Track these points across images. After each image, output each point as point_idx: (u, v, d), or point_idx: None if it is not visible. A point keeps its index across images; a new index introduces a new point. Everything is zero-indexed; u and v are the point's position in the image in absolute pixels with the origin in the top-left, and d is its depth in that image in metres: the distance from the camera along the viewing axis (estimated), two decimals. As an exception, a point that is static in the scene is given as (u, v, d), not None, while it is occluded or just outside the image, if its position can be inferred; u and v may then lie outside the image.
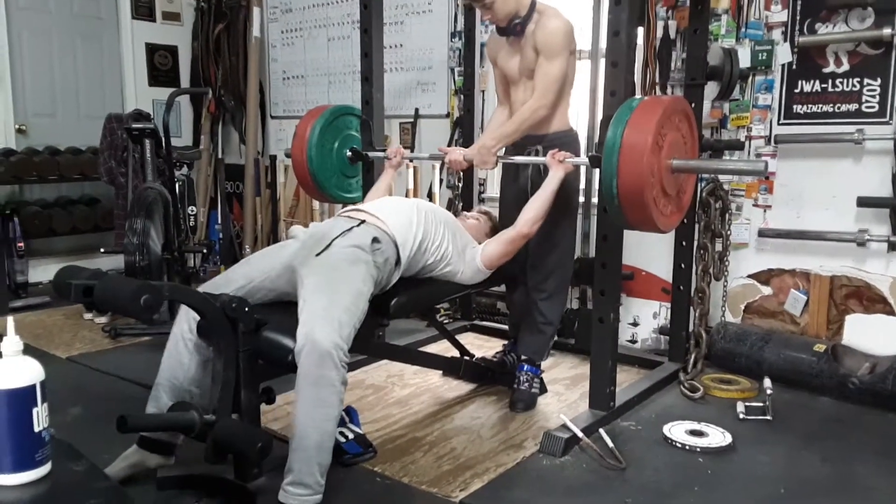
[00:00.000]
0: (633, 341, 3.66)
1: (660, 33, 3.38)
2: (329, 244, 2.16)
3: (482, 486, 2.15)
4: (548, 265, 2.78)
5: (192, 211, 4.99)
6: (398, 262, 2.30)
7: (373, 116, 3.16)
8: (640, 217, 2.22)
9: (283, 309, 2.23)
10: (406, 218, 2.38)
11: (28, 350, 1.22)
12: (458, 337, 3.24)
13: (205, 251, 4.22)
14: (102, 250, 4.05)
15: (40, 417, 1.18)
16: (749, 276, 3.35)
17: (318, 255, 2.12)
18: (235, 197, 5.61)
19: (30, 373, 1.19)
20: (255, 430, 1.98)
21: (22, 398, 1.16)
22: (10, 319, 1.22)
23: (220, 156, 5.63)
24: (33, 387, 1.18)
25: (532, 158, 2.69)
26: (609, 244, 2.55)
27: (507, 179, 2.98)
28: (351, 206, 2.52)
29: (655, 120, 2.14)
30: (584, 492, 2.15)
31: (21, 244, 4.34)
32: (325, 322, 1.86)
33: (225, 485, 2.05)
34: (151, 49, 5.51)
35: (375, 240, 2.21)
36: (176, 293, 1.95)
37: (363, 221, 2.30)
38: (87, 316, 4.05)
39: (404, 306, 2.42)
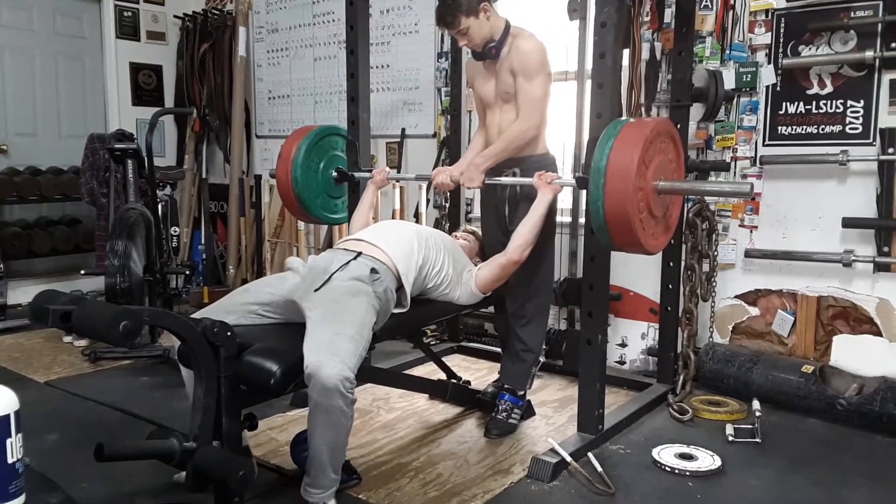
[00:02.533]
0: (622, 362, 3.64)
1: (645, 55, 3.40)
2: (328, 278, 2.18)
3: (470, 513, 2.11)
4: (525, 291, 2.75)
5: (175, 231, 4.93)
6: (400, 288, 2.33)
7: (359, 137, 3.14)
8: (628, 239, 2.21)
9: (268, 332, 2.20)
10: (407, 245, 2.41)
11: (5, 374, 1.18)
12: (445, 358, 3.21)
13: (187, 272, 4.17)
14: (83, 272, 3.98)
15: (14, 448, 1.15)
16: (736, 297, 3.35)
17: (317, 290, 2.14)
18: (219, 217, 5.56)
19: (3, 403, 1.15)
20: (236, 457, 1.93)
21: (-6, 430, 1.12)
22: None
23: (203, 175, 5.59)
24: (7, 417, 1.15)
25: (519, 179, 2.68)
26: (597, 265, 2.53)
27: (484, 202, 2.99)
28: (350, 237, 2.55)
29: (641, 141, 2.13)
30: (573, 518, 2.12)
31: (0, 266, 4.26)
32: (330, 356, 1.88)
33: (205, 515, 1.99)
34: (136, 68, 5.48)
35: (374, 270, 2.23)
36: (156, 318, 1.91)
37: (360, 253, 2.31)
38: (67, 339, 3.97)
39: (390, 329, 2.39)
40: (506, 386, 2.82)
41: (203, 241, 5.40)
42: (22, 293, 4.70)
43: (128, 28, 5.40)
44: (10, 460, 1.14)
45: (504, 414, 2.76)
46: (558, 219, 3.64)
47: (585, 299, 2.57)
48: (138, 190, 3.83)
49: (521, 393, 2.80)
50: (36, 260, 4.79)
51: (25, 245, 4.61)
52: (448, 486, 2.27)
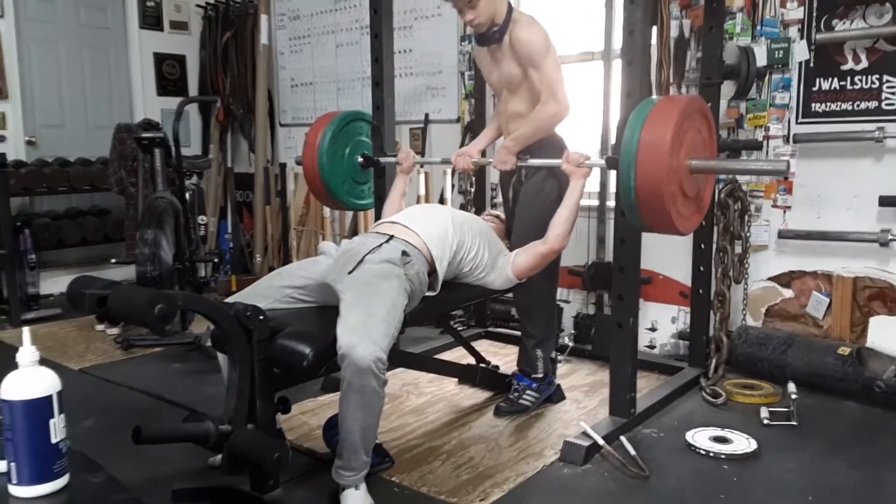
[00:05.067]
0: (652, 347, 3.60)
1: (674, 33, 3.34)
2: (361, 261, 2.18)
3: (502, 495, 2.10)
4: (529, 281, 2.68)
5: (203, 220, 4.97)
6: (433, 271, 2.32)
7: (384, 121, 3.13)
8: (659, 219, 2.17)
9: (301, 315, 2.20)
10: (441, 229, 2.40)
11: (40, 362, 1.19)
12: (473, 344, 3.20)
13: (216, 260, 4.20)
14: (114, 261, 4.03)
15: (57, 428, 1.16)
16: (769, 279, 3.29)
17: (350, 272, 2.14)
18: (245, 206, 5.59)
19: (46, 383, 1.16)
20: (271, 440, 1.94)
21: (39, 409, 1.14)
22: (25, 330, 1.19)
23: (229, 165, 5.62)
24: (50, 398, 1.16)
25: (548, 161, 2.65)
26: (627, 248, 2.50)
27: (502, 190, 3.00)
28: (383, 220, 2.56)
29: (674, 120, 2.09)
30: (606, 501, 2.10)
31: (32, 256, 4.33)
32: (363, 337, 1.88)
33: (241, 496, 2.01)
34: (159, 58, 5.51)
35: (405, 253, 2.22)
36: (190, 302, 1.92)
37: (392, 237, 2.31)
38: (100, 327, 4.03)
39: (419, 313, 2.38)
40: (520, 368, 2.84)
41: (230, 230, 5.43)
42: (53, 283, 4.77)
43: (151, 18, 5.43)
44: (53, 440, 1.16)
45: (515, 394, 2.77)
46: (586, 202, 3.66)
47: (616, 282, 2.54)
48: (166, 179, 3.86)
49: (535, 375, 2.79)
50: (66, 250, 4.85)
51: (56, 236, 4.67)
52: (480, 469, 2.27)
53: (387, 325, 1.96)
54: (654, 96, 3.19)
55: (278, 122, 5.48)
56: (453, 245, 2.39)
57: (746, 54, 3.08)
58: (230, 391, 1.96)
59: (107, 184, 4.43)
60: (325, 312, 2.17)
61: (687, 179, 2.21)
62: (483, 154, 3.01)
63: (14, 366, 1.16)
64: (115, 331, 3.91)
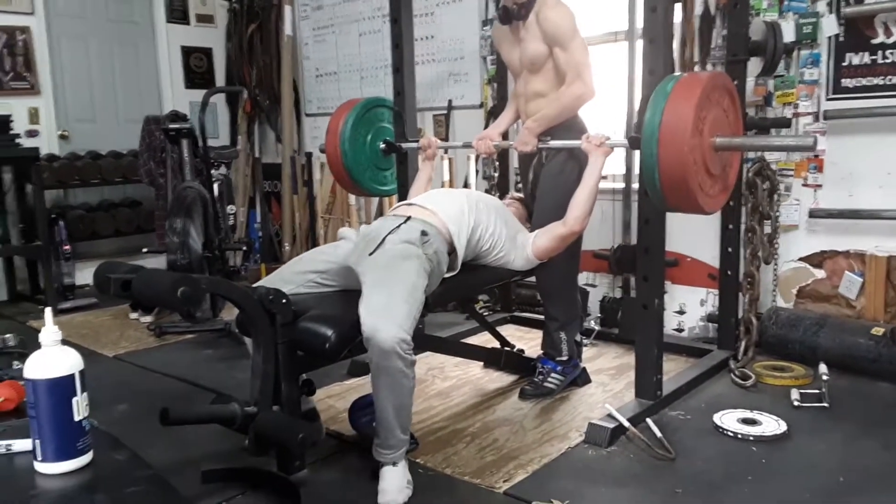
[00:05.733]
0: (680, 330, 3.56)
1: (699, 10, 3.27)
2: (381, 242, 2.20)
3: (526, 476, 2.11)
4: (550, 263, 2.67)
5: (232, 210, 5.03)
6: (452, 251, 2.33)
7: (405, 107, 3.13)
8: (683, 199, 2.15)
9: (324, 299, 2.23)
10: (458, 207, 2.42)
11: (76, 349, 1.22)
12: (498, 329, 3.19)
13: (244, 249, 4.25)
14: (145, 250, 4.10)
15: (80, 407, 1.19)
16: (800, 259, 3.22)
17: (370, 254, 2.17)
18: (273, 195, 5.65)
19: (69, 362, 1.19)
20: (295, 422, 1.97)
21: (62, 387, 1.16)
22: (47, 311, 1.22)
23: (257, 155, 5.68)
24: (72, 376, 1.18)
25: (569, 143, 2.63)
26: (651, 228, 2.47)
27: (522, 173, 3.00)
28: (401, 203, 2.58)
29: (696, 97, 2.06)
30: (632, 482, 2.09)
31: (67, 247, 4.43)
32: (385, 319, 1.89)
33: (268, 477, 2.05)
34: (187, 52, 5.58)
35: (423, 233, 2.24)
36: (213, 286, 1.96)
37: (410, 217, 2.33)
38: (133, 315, 4.12)
39: (442, 295, 2.39)
40: (544, 351, 2.83)
41: (259, 220, 5.50)
42: (88, 273, 4.85)
43: (177, 12, 5.49)
44: (76, 418, 1.18)
45: (540, 377, 2.77)
46: (611, 185, 3.62)
47: (641, 263, 2.52)
48: (194, 169, 3.92)
49: (560, 358, 2.78)
50: (100, 241, 4.95)
51: (90, 227, 4.77)
52: (504, 451, 2.27)
53: (409, 306, 1.97)
54: (678, 73, 3.13)
55: (304, 112, 5.51)
56: (470, 222, 2.40)
57: (773, 30, 3.01)
58: (255, 374, 1.99)
59: (137, 175, 4.51)
60: (347, 296, 2.19)
61: (711, 157, 2.18)
62: (505, 137, 3.00)
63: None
64: (148, 319, 3.99)
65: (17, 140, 4.38)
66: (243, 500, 2.03)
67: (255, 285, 2.13)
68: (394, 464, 1.98)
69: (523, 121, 2.82)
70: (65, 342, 1.21)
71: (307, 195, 5.07)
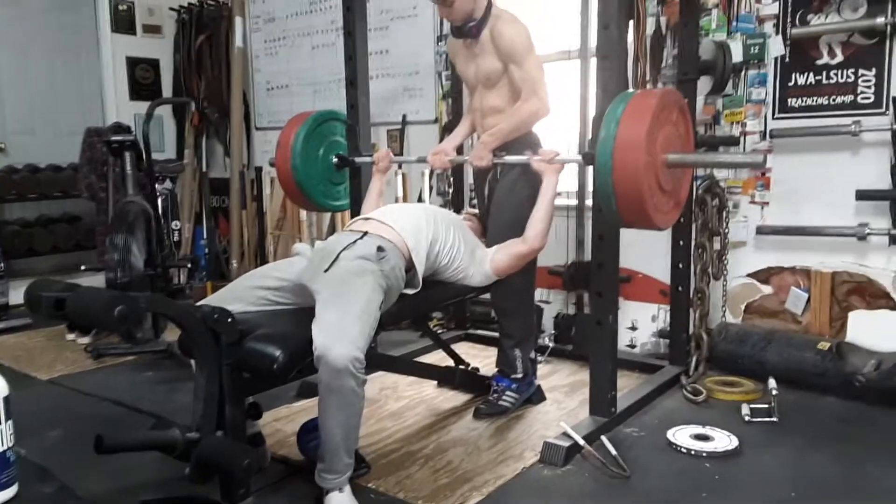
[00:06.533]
0: (633, 346, 3.58)
1: (651, 28, 3.32)
2: (335, 258, 2.14)
3: (481, 499, 2.06)
4: (506, 281, 2.64)
5: (177, 226, 4.88)
6: (411, 267, 2.29)
7: (359, 121, 3.08)
8: (637, 214, 2.15)
9: (275, 317, 2.14)
10: (415, 221, 2.38)
11: (9, 373, 1.13)
12: (453, 346, 3.15)
13: (188, 266, 4.11)
14: (83, 267, 3.93)
15: (4, 436, 1.10)
16: (748, 276, 3.28)
17: (325, 270, 2.10)
18: (221, 211, 5.51)
19: (-10, 390, 1.10)
20: (240, 447, 1.88)
21: (-17, 416, 1.07)
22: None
23: (204, 170, 5.54)
24: (-6, 404, 1.09)
25: (523, 158, 2.61)
26: (605, 244, 2.47)
27: (477, 188, 2.98)
28: (357, 218, 2.53)
29: (650, 112, 2.07)
30: (587, 501, 2.06)
31: (1, 265, 4.22)
32: (337, 337, 1.84)
33: (211, 506, 1.94)
34: (133, 62, 5.41)
35: (380, 248, 2.19)
36: (154, 304, 1.86)
37: (366, 233, 2.28)
38: (70, 337, 3.93)
39: (397, 314, 2.34)
40: (499, 369, 2.80)
41: (205, 236, 5.34)
42: (23, 293, 4.64)
43: (124, 22, 5.33)
44: (1, 449, 1.09)
45: (495, 395, 2.73)
46: (565, 202, 3.63)
47: (594, 279, 2.51)
48: (137, 183, 3.78)
49: (515, 376, 2.74)
50: (37, 258, 4.74)
51: (26, 243, 4.57)
52: (459, 473, 2.22)
53: (362, 323, 1.91)
54: (631, 90, 3.17)
55: (254, 125, 5.41)
56: (428, 236, 2.36)
57: (723, 50, 3.07)
58: (198, 397, 1.90)
59: (78, 190, 4.33)
60: (300, 314, 2.11)
61: (664, 173, 2.19)
62: (460, 151, 2.97)
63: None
64: (85, 340, 3.81)
65: (-51, 152, 4.18)
66: (184, 531, 1.93)
67: (199, 303, 2.05)
68: (339, 489, 1.92)
69: (479, 135, 2.80)
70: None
71: (256, 210, 4.96)
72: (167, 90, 5.62)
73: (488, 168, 2.72)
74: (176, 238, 4.78)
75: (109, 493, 2.09)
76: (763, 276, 3.25)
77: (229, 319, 1.89)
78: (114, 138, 3.76)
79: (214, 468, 1.85)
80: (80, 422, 2.73)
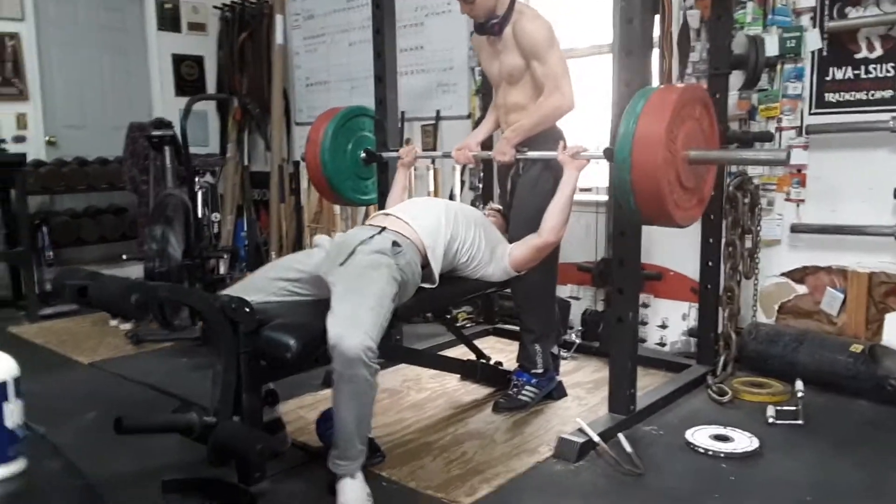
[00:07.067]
0: (662, 344, 3.53)
1: (678, 22, 3.26)
2: (352, 252, 2.18)
3: (490, 491, 2.07)
4: (526, 276, 2.65)
5: (216, 217, 5.01)
6: (427, 264, 2.31)
7: (387, 116, 3.12)
8: (656, 211, 2.13)
9: (292, 307, 2.20)
10: (435, 219, 2.39)
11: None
12: (481, 340, 3.18)
13: (225, 256, 4.23)
14: (125, 257, 4.08)
15: (13, 413, 1.16)
16: (782, 275, 3.20)
17: (341, 264, 2.15)
18: (262, 204, 5.63)
19: (1, 369, 1.16)
20: (254, 432, 1.94)
21: (-9, 394, 1.14)
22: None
23: (246, 163, 5.67)
24: (3, 384, 1.15)
25: (546, 153, 2.61)
26: (626, 240, 2.45)
27: (500, 183, 2.99)
28: (377, 213, 2.56)
29: (670, 108, 2.05)
30: (597, 498, 2.06)
31: (50, 253, 4.41)
32: (351, 327, 1.88)
33: (227, 488, 2.01)
34: (178, 59, 5.58)
35: (395, 244, 2.22)
36: (173, 293, 1.93)
37: (384, 228, 2.31)
38: (113, 323, 4.08)
39: (414, 308, 2.37)
40: (519, 363, 2.81)
41: (245, 228, 5.47)
42: (51, 281, 4.85)
43: (169, 20, 5.50)
44: (8, 425, 1.15)
45: (514, 390, 2.74)
46: (594, 197, 3.61)
47: (616, 276, 2.50)
48: (177, 176, 3.90)
49: (535, 371, 2.74)
50: (85, 248, 4.94)
51: (74, 233, 4.76)
52: (471, 465, 2.24)
53: (376, 315, 1.95)
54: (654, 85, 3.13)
55: (294, 120, 5.51)
56: (446, 235, 2.37)
57: (755, 43, 3.00)
58: (215, 383, 1.97)
59: (123, 182, 4.49)
60: (317, 305, 2.16)
61: (685, 170, 2.16)
62: (488, 146, 2.98)
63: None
64: (127, 326, 3.96)
65: (3, 145, 4.37)
66: (201, 511, 2.00)
67: (224, 293, 2.11)
68: (352, 476, 1.95)
69: (503, 131, 2.80)
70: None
71: (294, 204, 5.05)
72: (211, 86, 5.78)
73: (511, 163, 2.72)
74: (216, 230, 4.90)
75: (134, 472, 2.18)
76: (798, 275, 3.17)
77: (247, 309, 1.95)
78: (154, 133, 3.88)
79: (230, 452, 1.91)
80: (115, 405, 2.84)
